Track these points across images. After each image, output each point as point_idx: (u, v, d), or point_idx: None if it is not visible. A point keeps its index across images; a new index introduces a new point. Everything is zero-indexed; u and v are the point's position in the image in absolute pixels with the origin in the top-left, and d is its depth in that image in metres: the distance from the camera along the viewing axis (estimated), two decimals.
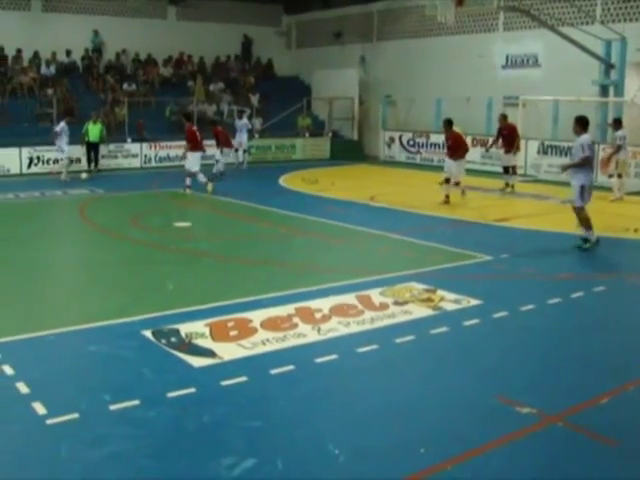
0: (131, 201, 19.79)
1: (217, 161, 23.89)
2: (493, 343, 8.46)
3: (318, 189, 21.35)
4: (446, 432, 6.16)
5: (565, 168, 13.52)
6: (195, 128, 20.84)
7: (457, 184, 18.45)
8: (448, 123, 18.75)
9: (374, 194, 19.38)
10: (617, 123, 19.60)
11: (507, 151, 20.96)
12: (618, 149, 18.86)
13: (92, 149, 25.61)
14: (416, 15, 30.07)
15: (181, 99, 30.68)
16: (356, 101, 32.84)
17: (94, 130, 25.38)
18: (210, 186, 20.02)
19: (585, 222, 13.02)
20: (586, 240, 13.01)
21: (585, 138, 13.02)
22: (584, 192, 12.92)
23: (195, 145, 20.36)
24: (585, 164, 12.90)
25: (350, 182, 23.81)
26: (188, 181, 20.37)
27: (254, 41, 36.63)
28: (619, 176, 19.12)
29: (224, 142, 23.97)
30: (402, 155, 30.02)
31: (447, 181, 18.38)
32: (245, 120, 27.38)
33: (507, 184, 20.87)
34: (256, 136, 29.93)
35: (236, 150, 26.70)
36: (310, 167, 27.30)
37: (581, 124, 13.20)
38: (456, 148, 18.34)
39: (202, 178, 20.16)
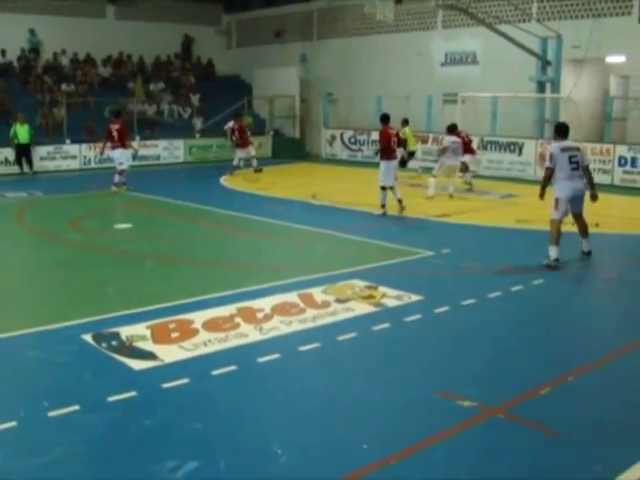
0: (70, 203, 19.48)
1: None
2: (435, 338, 8.53)
3: (259, 188, 21.30)
4: (389, 428, 6.19)
5: (540, 194, 12.05)
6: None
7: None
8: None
9: (316, 192, 19.39)
10: (452, 129, 19.73)
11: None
12: (443, 151, 19.26)
13: (23, 151, 25.23)
14: (356, 13, 30.16)
15: (121, 99, 30.32)
16: (297, 99, 32.84)
17: (22, 132, 25.00)
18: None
19: (555, 236, 11.77)
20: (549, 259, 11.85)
21: (553, 146, 12.16)
22: (558, 205, 11.79)
23: (123, 143, 20.71)
24: (551, 175, 11.92)
25: (292, 180, 23.81)
26: (117, 178, 20.71)
27: (194, 40, 36.41)
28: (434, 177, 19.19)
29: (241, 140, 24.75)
30: (344, 153, 30.10)
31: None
32: (231, 123, 26.84)
33: (469, 183, 20.94)
34: (197, 136, 29.77)
35: None
36: (251, 166, 27.21)
37: (556, 131, 12.40)
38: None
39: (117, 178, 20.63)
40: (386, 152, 16.68)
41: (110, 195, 20.46)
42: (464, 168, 20.90)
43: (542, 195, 11.99)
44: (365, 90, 29.81)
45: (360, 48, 30.74)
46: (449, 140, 19.31)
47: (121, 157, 20.87)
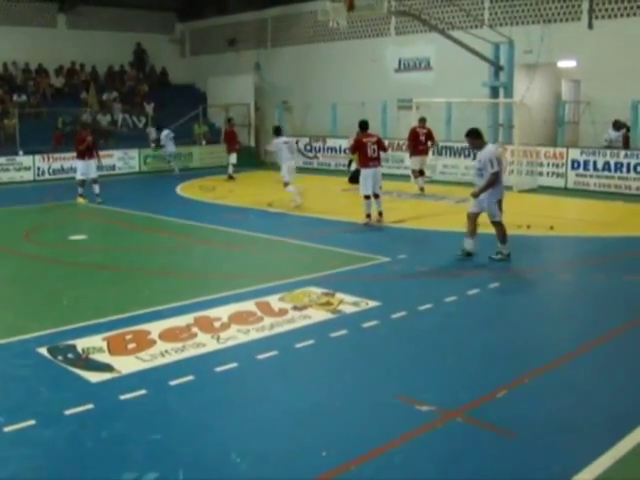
0: (24, 215, 19.25)
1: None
2: (393, 343, 8.57)
3: (215, 197, 21.25)
4: (348, 434, 6.21)
5: (477, 194, 12.28)
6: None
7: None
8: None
9: (272, 200, 19.39)
10: (278, 131, 20.03)
11: (412, 154, 21.38)
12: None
13: None
14: (309, 21, 30.29)
15: (74, 109, 30.08)
16: (252, 107, 32.86)
17: None
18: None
19: (504, 235, 12.41)
20: (500, 252, 12.40)
21: (490, 150, 12.37)
22: (501, 205, 12.36)
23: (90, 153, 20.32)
24: (496, 178, 12.14)
25: (247, 189, 23.78)
26: (80, 190, 20.43)
27: (148, 49, 36.23)
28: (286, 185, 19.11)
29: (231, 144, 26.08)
30: (299, 160, 30.04)
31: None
32: (166, 131, 28.52)
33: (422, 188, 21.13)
34: (152, 145, 29.62)
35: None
36: (207, 175, 27.18)
37: (478, 136, 12.49)
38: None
39: (97, 189, 20.07)
40: (363, 160, 16.22)
41: (65, 206, 20.25)
42: (418, 173, 21.09)
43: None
44: (320, 97, 29.90)
45: (314, 55, 30.87)
46: (278, 142, 19.36)
47: (85, 168, 20.48)
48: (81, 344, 8.26)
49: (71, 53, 33.15)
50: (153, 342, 8.31)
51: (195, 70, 36.43)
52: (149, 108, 32.42)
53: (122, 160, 28.43)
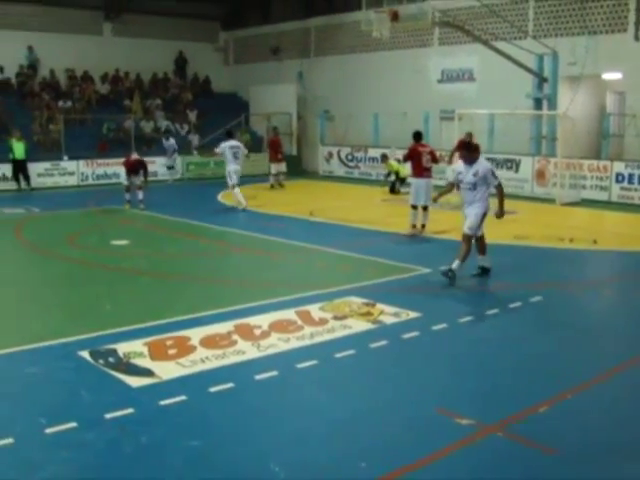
0: (68, 219, 19.49)
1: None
2: (433, 355, 8.51)
3: (257, 205, 21.30)
4: (387, 446, 6.16)
5: (501, 213, 11.86)
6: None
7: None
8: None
9: (313, 209, 19.41)
10: (229, 135, 21.15)
11: None
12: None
13: (19, 167, 25.35)
14: (353, 31, 30.27)
15: (118, 116, 30.41)
16: (294, 116, 32.92)
17: (18, 147, 25.15)
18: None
19: (468, 253, 11.70)
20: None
21: (486, 163, 12.05)
22: (484, 220, 11.91)
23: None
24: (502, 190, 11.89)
25: (289, 197, 23.83)
26: (127, 196, 20.65)
27: (191, 57, 36.41)
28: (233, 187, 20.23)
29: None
30: (341, 170, 30.18)
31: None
32: (172, 141, 28.35)
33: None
34: (195, 153, 29.83)
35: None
36: (249, 183, 27.24)
37: (476, 148, 12.07)
38: None
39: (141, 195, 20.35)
40: (417, 170, 16.19)
41: (108, 211, 20.46)
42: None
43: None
44: (362, 107, 29.90)
45: (357, 65, 30.86)
46: (223, 146, 20.66)
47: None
48: (122, 348, 8.32)
49: (116, 60, 33.46)
50: (193, 348, 8.33)
51: (238, 78, 36.62)
52: (192, 116, 32.68)
53: (165, 167, 28.63)
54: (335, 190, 26.08)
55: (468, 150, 12.01)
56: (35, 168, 25.93)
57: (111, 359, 8.04)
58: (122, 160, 21.64)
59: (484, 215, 11.82)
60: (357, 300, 10.46)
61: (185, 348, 8.35)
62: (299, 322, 9.42)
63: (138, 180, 20.43)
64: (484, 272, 12.07)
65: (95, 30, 33.97)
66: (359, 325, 9.36)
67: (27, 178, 25.47)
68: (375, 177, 27.76)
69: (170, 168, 28.60)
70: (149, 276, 12.58)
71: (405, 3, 24.32)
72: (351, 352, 8.35)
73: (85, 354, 8.19)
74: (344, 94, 31.21)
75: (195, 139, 30.95)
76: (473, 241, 11.84)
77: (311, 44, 33.62)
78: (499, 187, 11.82)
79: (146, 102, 32.68)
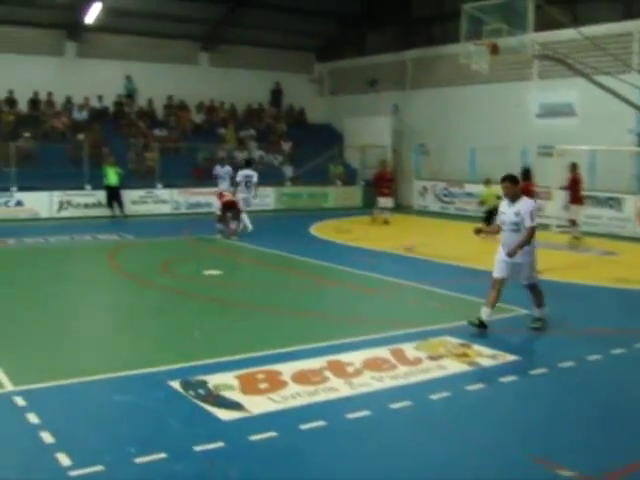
0: (161, 247, 19.87)
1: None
2: (532, 401, 8.29)
3: (350, 238, 21.31)
4: None
5: (514, 252, 10.60)
6: None
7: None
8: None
9: (407, 244, 19.29)
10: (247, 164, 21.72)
11: (573, 202, 20.74)
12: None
13: (113, 194, 26.03)
14: (450, 63, 30.13)
15: (212, 145, 30.94)
16: (389, 149, 32.93)
17: (112, 174, 25.84)
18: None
19: (541, 296, 11.16)
20: (538, 319, 11.18)
21: (530, 202, 10.98)
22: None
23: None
24: (533, 235, 10.77)
25: (383, 232, 23.76)
26: (219, 226, 21.11)
27: (286, 88, 36.90)
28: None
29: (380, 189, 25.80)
30: (436, 205, 30.02)
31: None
32: (228, 168, 23.87)
33: (576, 237, 20.56)
34: (288, 184, 30.12)
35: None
36: (342, 216, 27.36)
37: (517, 183, 11.06)
38: None
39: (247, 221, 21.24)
40: None
41: (201, 240, 20.79)
42: (572, 223, 20.52)
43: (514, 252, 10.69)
44: (458, 141, 29.78)
45: (453, 98, 30.74)
46: (241, 174, 22.02)
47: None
48: (213, 380, 8.35)
49: (211, 90, 34.12)
50: (285, 383, 8.31)
51: (332, 110, 36.90)
52: (286, 146, 33.02)
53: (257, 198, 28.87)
54: (430, 225, 25.92)
55: (508, 183, 10.90)
56: (130, 195, 26.65)
57: (201, 390, 8.08)
58: (215, 190, 22.03)
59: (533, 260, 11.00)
60: (452, 340, 10.31)
61: (276, 383, 8.34)
62: (393, 361, 9.31)
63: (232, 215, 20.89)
64: (540, 326, 11.13)
65: (192, 60, 34.80)
66: (455, 366, 9.20)
67: (121, 205, 26.16)
68: (472, 213, 27.48)
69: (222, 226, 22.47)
70: (241, 307, 12.64)
71: (505, 35, 24.08)
72: (446, 394, 8.20)
73: (175, 384, 8.25)
74: (440, 127, 31.13)
75: (288, 170, 31.25)
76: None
77: (407, 76, 33.66)
78: (531, 230, 10.65)
79: (240, 132, 33.19)
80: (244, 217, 21.87)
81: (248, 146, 32.53)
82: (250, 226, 21.72)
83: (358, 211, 27.03)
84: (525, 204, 10.76)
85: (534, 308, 11.26)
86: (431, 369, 9.04)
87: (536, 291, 11.21)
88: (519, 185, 11.16)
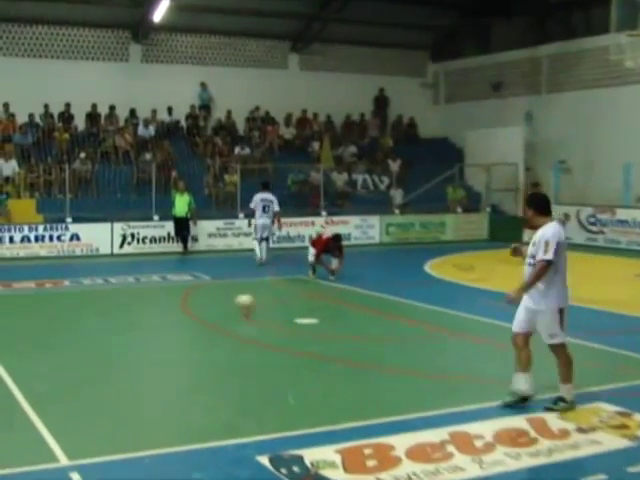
0: (243, 290, 19.91)
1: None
2: None
3: (474, 278, 21.13)
4: None
5: (514, 296, 10.32)
6: None
7: None
8: None
9: None
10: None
11: None
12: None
13: (180, 226, 26.12)
14: (597, 60, 29.88)
15: (303, 165, 31.05)
16: (521, 167, 32.65)
17: (180, 202, 25.94)
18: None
19: (569, 368, 10.19)
20: (562, 399, 10.08)
21: (551, 229, 10.07)
22: (563, 318, 10.13)
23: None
24: (548, 271, 9.91)
25: (515, 269, 23.40)
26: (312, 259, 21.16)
27: (393, 95, 36.97)
28: None
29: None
30: (580, 235, 29.48)
31: None
32: (270, 195, 23.77)
33: None
34: (396, 212, 30.08)
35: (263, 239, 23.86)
36: (464, 250, 27.17)
37: (541, 206, 10.32)
38: None
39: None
40: None
41: (290, 282, 20.89)
42: None
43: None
44: (608, 156, 29.34)
45: (601, 103, 30.36)
46: (258, 198, 23.19)
47: None
48: (310, 455, 8.31)
49: (303, 99, 34.53)
50: (398, 460, 8.22)
51: (450, 121, 36.85)
52: (394, 166, 32.91)
53: (360, 229, 29.07)
54: (574, 261, 25.40)
55: (530, 206, 10.39)
56: (206, 227, 26.94)
57: (296, 468, 8.06)
58: (312, 236, 22.03)
59: (560, 311, 10.16)
60: (608, 408, 10.08)
61: (388, 459, 8.26)
62: (532, 433, 9.14)
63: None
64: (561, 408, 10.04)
65: (280, 63, 35.30)
66: (612, 441, 8.96)
67: (185, 240, 26.26)
68: (626, 245, 26.93)
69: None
70: (342, 365, 12.61)
71: None
72: (602, 477, 7.97)
73: (264, 460, 8.24)
74: (584, 139, 30.80)
75: (397, 195, 31.16)
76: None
77: (542, 77, 33.46)
78: (542, 265, 9.86)
79: (338, 149, 33.31)
80: (255, 245, 23.39)
81: (349, 166, 32.54)
82: (259, 255, 23.17)
83: (483, 244, 26.79)
84: (545, 230, 10.02)
85: (559, 383, 10.29)
86: (581, 444, 8.83)
87: (562, 357, 10.28)
88: (539, 208, 10.33)
